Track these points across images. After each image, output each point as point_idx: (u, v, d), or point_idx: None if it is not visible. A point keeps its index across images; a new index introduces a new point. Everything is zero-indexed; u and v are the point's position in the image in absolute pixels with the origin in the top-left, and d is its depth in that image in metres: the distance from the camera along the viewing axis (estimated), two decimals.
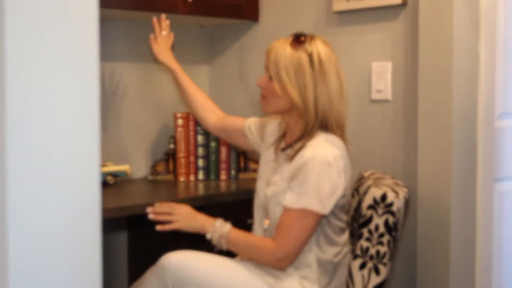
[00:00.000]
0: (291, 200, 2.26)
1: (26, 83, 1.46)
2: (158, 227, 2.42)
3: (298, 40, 2.31)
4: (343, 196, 2.31)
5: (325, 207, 2.25)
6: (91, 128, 1.56)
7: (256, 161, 3.23)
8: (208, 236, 2.37)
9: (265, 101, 2.39)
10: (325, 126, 2.31)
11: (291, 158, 2.32)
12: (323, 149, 2.25)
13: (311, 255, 2.32)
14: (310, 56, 2.28)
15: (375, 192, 2.35)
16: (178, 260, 2.28)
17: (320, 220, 2.29)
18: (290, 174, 2.30)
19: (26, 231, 1.47)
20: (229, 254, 2.42)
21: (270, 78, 2.34)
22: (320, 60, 2.28)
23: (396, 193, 2.34)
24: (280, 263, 2.29)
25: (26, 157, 1.46)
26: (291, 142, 2.39)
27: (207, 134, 3.24)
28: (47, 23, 1.49)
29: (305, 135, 2.31)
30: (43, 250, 1.49)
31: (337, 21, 2.98)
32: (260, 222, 2.46)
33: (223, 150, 3.27)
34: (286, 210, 2.27)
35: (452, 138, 2.58)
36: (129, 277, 3.24)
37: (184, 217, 2.41)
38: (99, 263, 1.59)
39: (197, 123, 3.21)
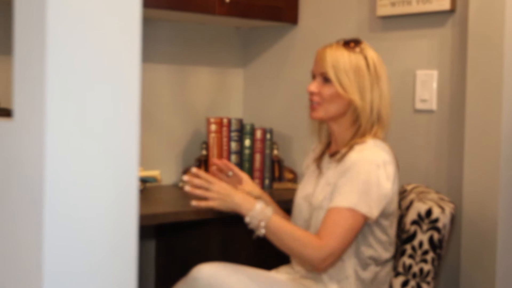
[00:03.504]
0: (338, 199, 2.21)
1: (65, 85, 1.47)
2: (194, 203, 2.33)
3: (349, 45, 2.36)
4: (390, 204, 2.27)
5: (371, 210, 2.20)
6: (130, 133, 1.57)
7: (292, 170, 3.18)
8: (247, 219, 2.26)
9: (319, 106, 2.35)
10: (375, 130, 2.33)
11: (338, 161, 2.29)
12: (372, 152, 2.25)
13: (350, 268, 2.28)
14: (366, 59, 2.35)
15: (420, 207, 2.34)
16: (210, 271, 2.24)
17: (365, 224, 2.24)
18: (337, 177, 2.26)
19: (62, 237, 1.48)
20: (265, 266, 2.38)
21: (325, 81, 2.34)
22: (374, 64, 2.35)
23: (442, 208, 2.33)
24: (323, 262, 2.20)
25: (63, 163, 1.48)
26: (337, 150, 2.37)
27: (241, 140, 3.21)
28: (90, 21, 1.50)
29: (356, 137, 2.31)
30: (78, 259, 1.51)
31: (380, 26, 2.94)
32: None
33: (257, 158, 3.23)
34: (333, 209, 2.21)
35: (501, 152, 2.51)
36: (156, 287, 3.22)
37: (221, 196, 2.31)
38: (135, 273, 1.60)
39: (231, 129, 3.18)
